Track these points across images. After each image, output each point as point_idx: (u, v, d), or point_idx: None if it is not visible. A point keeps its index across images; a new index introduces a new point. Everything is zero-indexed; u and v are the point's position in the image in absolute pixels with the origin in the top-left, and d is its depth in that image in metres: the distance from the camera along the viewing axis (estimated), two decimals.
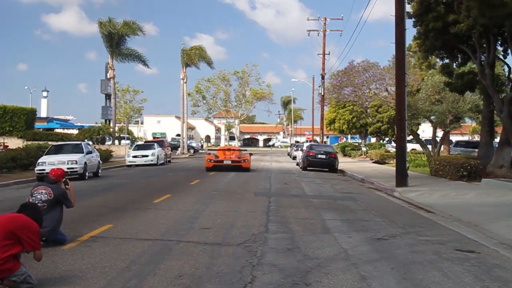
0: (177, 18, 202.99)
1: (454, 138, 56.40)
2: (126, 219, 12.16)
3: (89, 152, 26.54)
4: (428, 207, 15.19)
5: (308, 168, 34.04)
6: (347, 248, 9.08)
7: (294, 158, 50.68)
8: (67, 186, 9.63)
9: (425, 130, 66.59)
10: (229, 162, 31.31)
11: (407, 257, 8.48)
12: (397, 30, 21.31)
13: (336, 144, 70.57)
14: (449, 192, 19.03)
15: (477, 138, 65.12)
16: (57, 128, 62.05)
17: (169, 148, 47.89)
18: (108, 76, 54.22)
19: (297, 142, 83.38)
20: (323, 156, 33.87)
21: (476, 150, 36.39)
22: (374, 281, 7.00)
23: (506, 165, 23.68)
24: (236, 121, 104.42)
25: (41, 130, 52.68)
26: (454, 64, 28.09)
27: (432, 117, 35.65)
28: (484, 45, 24.45)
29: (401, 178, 21.01)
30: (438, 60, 34.52)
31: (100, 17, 52.07)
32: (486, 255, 8.78)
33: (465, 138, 64.66)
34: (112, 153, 40.57)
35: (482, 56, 24.68)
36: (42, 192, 9.24)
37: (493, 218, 12.84)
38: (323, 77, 56.05)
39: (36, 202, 8.98)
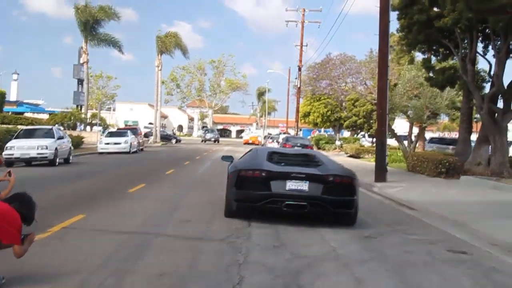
0: (156, 4, 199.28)
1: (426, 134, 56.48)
2: (100, 209, 11.54)
3: (60, 138, 25.71)
4: (410, 204, 14.84)
5: None
6: (336, 246, 8.61)
7: None
8: (8, 178, 7.31)
9: (398, 126, 66.74)
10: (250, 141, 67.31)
11: (399, 258, 8.05)
12: (381, 21, 20.91)
13: (310, 136, 70.30)
14: (429, 188, 18.76)
15: (447, 135, 65.60)
16: (27, 112, 60.75)
17: (142, 136, 47.07)
18: (82, 61, 53.08)
19: (270, 134, 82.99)
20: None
21: (450, 146, 36.47)
22: (370, 284, 6.55)
23: (483, 163, 23.55)
24: (210, 111, 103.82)
25: (10, 113, 51.36)
26: (435, 59, 27.87)
27: (409, 112, 35.54)
28: (466, 41, 24.24)
29: (380, 173, 20.66)
30: (416, 54, 34.38)
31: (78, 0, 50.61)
32: (480, 257, 8.41)
33: (436, 135, 64.81)
34: (83, 140, 39.67)
35: (463, 52, 24.47)
36: None
37: (478, 217, 12.52)
38: (299, 69, 55.69)
39: None
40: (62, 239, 8.31)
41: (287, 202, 10.10)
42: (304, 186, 10.21)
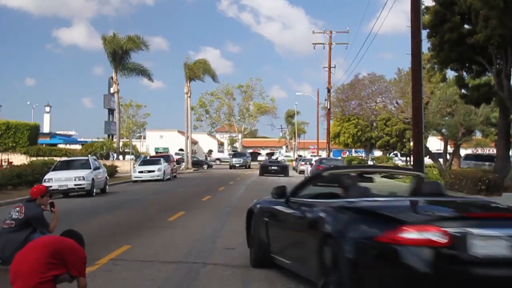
0: (184, 31, 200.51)
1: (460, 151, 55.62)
2: (143, 239, 11.56)
3: (97, 168, 25.94)
4: None
5: None
6: None
7: (301, 172, 50.04)
8: (52, 209, 8.59)
9: (431, 143, 65.92)
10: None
11: None
12: (413, 41, 20.64)
13: (340, 157, 69.94)
14: None
15: (480, 151, 64.53)
16: (60, 144, 61.53)
17: (175, 163, 47.29)
18: (112, 91, 53.57)
19: (300, 156, 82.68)
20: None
21: (487, 163, 35.86)
22: None
23: None
24: (239, 136, 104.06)
25: (44, 145, 52.17)
26: (468, 75, 27.55)
27: (443, 130, 35.13)
28: (499, 56, 23.92)
29: None
30: (448, 72, 34.03)
31: (113, 30, 51.25)
32: None
33: (469, 151, 63.80)
34: (117, 169, 39.94)
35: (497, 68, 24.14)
36: (16, 209, 8.34)
37: None
38: (329, 91, 55.50)
39: (7, 220, 8.29)
40: (111, 271, 8.32)
41: (272, 170, 46.70)
42: (275, 167, 47.87)
